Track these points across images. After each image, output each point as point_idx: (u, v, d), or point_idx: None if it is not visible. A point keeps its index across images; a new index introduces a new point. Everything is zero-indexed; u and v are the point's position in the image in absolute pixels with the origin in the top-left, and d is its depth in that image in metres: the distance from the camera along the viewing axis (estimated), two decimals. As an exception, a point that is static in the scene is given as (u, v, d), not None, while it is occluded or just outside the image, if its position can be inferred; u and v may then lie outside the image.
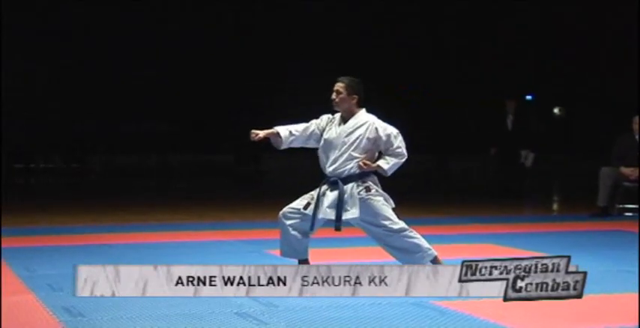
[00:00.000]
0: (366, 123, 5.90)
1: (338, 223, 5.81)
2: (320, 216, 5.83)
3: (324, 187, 5.87)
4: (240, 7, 31.61)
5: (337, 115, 6.02)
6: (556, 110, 35.40)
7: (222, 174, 26.04)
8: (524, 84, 31.47)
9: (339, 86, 5.93)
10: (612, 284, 5.73)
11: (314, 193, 5.91)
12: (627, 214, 10.76)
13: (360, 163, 5.83)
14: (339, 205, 5.78)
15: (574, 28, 32.40)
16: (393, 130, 5.91)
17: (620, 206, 10.90)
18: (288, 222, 5.94)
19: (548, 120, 33.74)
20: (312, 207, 5.85)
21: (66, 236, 8.76)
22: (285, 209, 5.96)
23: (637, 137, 10.72)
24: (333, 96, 5.94)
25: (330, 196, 5.83)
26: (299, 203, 5.92)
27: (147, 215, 11.35)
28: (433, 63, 31.86)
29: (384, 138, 5.87)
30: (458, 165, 28.01)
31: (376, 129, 5.88)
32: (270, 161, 29.39)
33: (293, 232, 5.93)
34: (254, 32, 31.85)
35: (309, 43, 31.26)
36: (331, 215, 5.81)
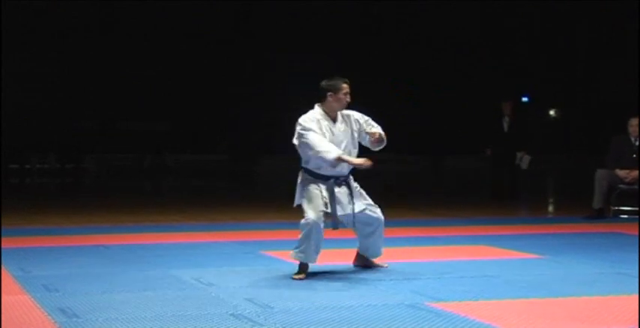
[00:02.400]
0: (346, 116, 6.21)
1: (353, 219, 6.08)
2: (339, 213, 6.02)
3: (332, 185, 6.01)
4: (240, 7, 31.58)
5: (317, 115, 6.11)
6: (552, 112, 35.44)
7: (218, 174, 26.02)
8: (520, 85, 31.51)
9: (349, 87, 6.20)
10: (608, 287, 5.73)
11: (323, 192, 5.98)
12: (622, 216, 10.77)
13: (378, 136, 6.06)
14: (352, 200, 6.07)
15: (570, 31, 32.43)
16: (358, 113, 6.27)
17: (616, 208, 10.90)
18: (322, 225, 6.01)
19: (544, 121, 33.78)
20: (329, 206, 5.99)
21: (61, 236, 8.74)
22: (317, 213, 5.95)
23: (633, 139, 10.72)
24: (348, 97, 6.16)
25: (342, 193, 6.05)
26: (319, 204, 5.97)
27: (142, 216, 11.34)
28: (430, 64, 31.87)
29: (361, 120, 6.22)
30: (454, 166, 28.03)
31: (356, 119, 6.21)
32: (265, 161, 29.41)
33: (321, 236, 6.04)
34: (252, 32, 31.84)
35: (308, 42, 31.25)
36: (348, 210, 6.06)
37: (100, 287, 5.66)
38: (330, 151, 5.93)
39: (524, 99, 31.57)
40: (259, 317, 4.75)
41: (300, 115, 6.16)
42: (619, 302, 5.21)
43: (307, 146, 6.00)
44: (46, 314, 4.82)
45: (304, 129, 6.03)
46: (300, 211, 6.11)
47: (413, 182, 21.13)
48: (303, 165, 6.16)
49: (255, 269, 6.42)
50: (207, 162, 29.86)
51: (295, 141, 6.11)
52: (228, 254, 7.45)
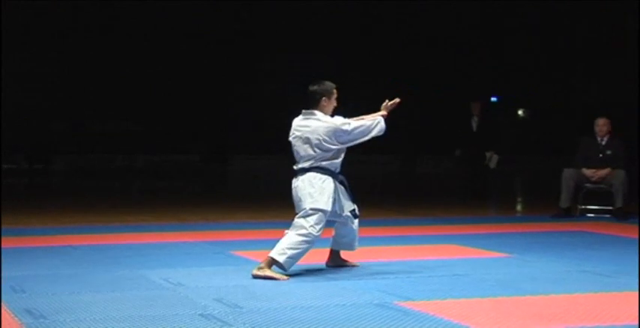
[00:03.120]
0: None
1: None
2: (338, 206, 6.23)
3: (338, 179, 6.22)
4: (211, 7, 31.43)
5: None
6: (520, 112, 35.68)
7: (188, 174, 25.92)
8: (489, 86, 31.68)
9: None
10: (575, 285, 5.78)
11: (332, 194, 6.08)
12: (589, 215, 10.86)
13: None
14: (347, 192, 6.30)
15: (539, 31, 32.66)
16: None
17: (582, 207, 11.00)
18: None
19: (513, 121, 34.00)
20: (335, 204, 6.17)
21: (28, 237, 8.65)
22: (322, 228, 6.08)
23: (599, 139, 10.82)
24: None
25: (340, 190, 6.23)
26: (326, 216, 6.10)
27: (111, 216, 11.26)
28: (399, 64, 31.94)
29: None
30: (424, 166, 28.12)
31: None
32: (237, 161, 29.36)
33: None
34: (223, 32, 31.73)
35: (277, 39, 31.17)
36: (346, 202, 6.28)
37: (68, 288, 5.61)
38: (378, 121, 6.19)
39: (493, 99, 31.74)
40: (228, 317, 4.73)
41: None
42: (586, 300, 5.26)
43: (363, 133, 6.15)
44: (12, 315, 4.77)
45: (353, 123, 6.14)
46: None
47: (383, 181, 21.19)
48: (325, 166, 6.11)
49: (225, 270, 6.40)
50: (178, 163, 29.76)
51: (334, 146, 6.08)
52: (198, 254, 7.42)
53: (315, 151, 6.09)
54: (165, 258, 7.09)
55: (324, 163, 6.12)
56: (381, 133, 6.23)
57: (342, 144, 6.15)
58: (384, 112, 6.30)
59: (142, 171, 27.48)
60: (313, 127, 6.10)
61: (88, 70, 30.48)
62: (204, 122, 31.39)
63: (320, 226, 6.02)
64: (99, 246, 7.90)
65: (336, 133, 6.08)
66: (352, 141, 6.18)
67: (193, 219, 10.85)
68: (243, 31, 31.55)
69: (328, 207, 6.05)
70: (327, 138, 6.07)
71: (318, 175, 6.09)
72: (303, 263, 6.19)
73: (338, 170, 6.22)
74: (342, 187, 6.24)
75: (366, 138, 6.23)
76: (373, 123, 6.19)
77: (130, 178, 24.33)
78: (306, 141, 6.11)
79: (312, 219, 6.00)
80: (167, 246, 7.95)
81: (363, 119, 6.23)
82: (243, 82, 31.67)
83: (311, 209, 6.02)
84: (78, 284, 5.77)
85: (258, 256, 6.49)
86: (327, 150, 6.10)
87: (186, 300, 5.21)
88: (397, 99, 6.35)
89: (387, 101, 6.36)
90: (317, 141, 6.08)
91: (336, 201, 6.14)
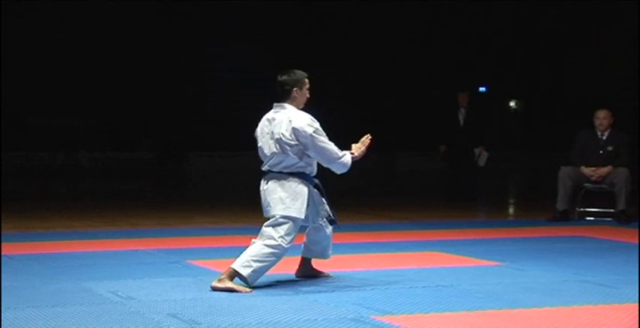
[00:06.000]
0: None
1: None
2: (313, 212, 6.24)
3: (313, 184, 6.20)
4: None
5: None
6: (512, 103, 35.86)
7: (141, 174, 25.83)
8: (477, 75, 31.81)
9: None
10: (572, 296, 5.82)
11: (306, 200, 6.06)
12: (589, 218, 10.93)
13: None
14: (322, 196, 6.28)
15: (530, 17, 32.88)
16: None
17: (581, 209, 11.06)
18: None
19: (504, 114, 34.17)
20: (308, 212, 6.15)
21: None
22: (293, 239, 6.07)
23: (599, 133, 10.87)
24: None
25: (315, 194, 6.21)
26: (298, 226, 6.11)
27: (53, 221, 11.19)
28: (379, 52, 32.02)
29: None
30: (404, 165, 28.21)
31: None
32: (195, 160, 29.35)
33: None
34: (172, 21, 31.77)
35: (232, 29, 31.22)
36: (321, 207, 6.28)
37: (3, 302, 5.57)
38: (346, 154, 6.14)
39: (482, 89, 31.89)
40: (184, 334, 4.72)
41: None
42: (584, 312, 5.30)
43: (325, 151, 6.06)
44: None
45: (320, 132, 6.05)
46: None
47: (360, 182, 21.23)
48: (298, 170, 6.09)
49: (181, 281, 6.38)
50: (129, 161, 29.68)
51: (293, 142, 6.01)
52: (151, 263, 7.39)
53: (276, 148, 6.07)
54: (114, 269, 7.05)
55: (296, 170, 6.09)
56: (343, 170, 6.15)
57: (302, 144, 6.04)
58: (355, 154, 6.19)
59: (89, 171, 27.34)
60: (279, 121, 6.09)
61: (27, 62, 30.36)
62: (158, 115, 31.34)
63: (291, 237, 6.01)
64: (38, 256, 7.84)
65: (296, 131, 6.00)
66: (307, 148, 6.03)
67: (146, 224, 10.80)
68: (195, 16, 31.65)
69: (302, 215, 6.03)
70: (285, 133, 6.02)
71: (292, 177, 6.08)
72: (269, 273, 6.19)
73: (313, 173, 6.21)
74: (317, 191, 6.21)
75: (324, 163, 6.14)
76: (341, 154, 6.10)
77: (75, 178, 24.21)
78: (272, 136, 6.10)
79: (283, 229, 5.98)
80: (115, 255, 7.91)
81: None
82: (198, 73, 31.70)
83: (282, 217, 6.00)
84: (14, 298, 5.73)
85: (218, 266, 6.48)
86: (287, 146, 6.03)
87: (137, 316, 5.19)
88: (368, 137, 6.28)
89: (361, 142, 6.27)
90: (278, 136, 6.06)
91: (310, 206, 6.12)
